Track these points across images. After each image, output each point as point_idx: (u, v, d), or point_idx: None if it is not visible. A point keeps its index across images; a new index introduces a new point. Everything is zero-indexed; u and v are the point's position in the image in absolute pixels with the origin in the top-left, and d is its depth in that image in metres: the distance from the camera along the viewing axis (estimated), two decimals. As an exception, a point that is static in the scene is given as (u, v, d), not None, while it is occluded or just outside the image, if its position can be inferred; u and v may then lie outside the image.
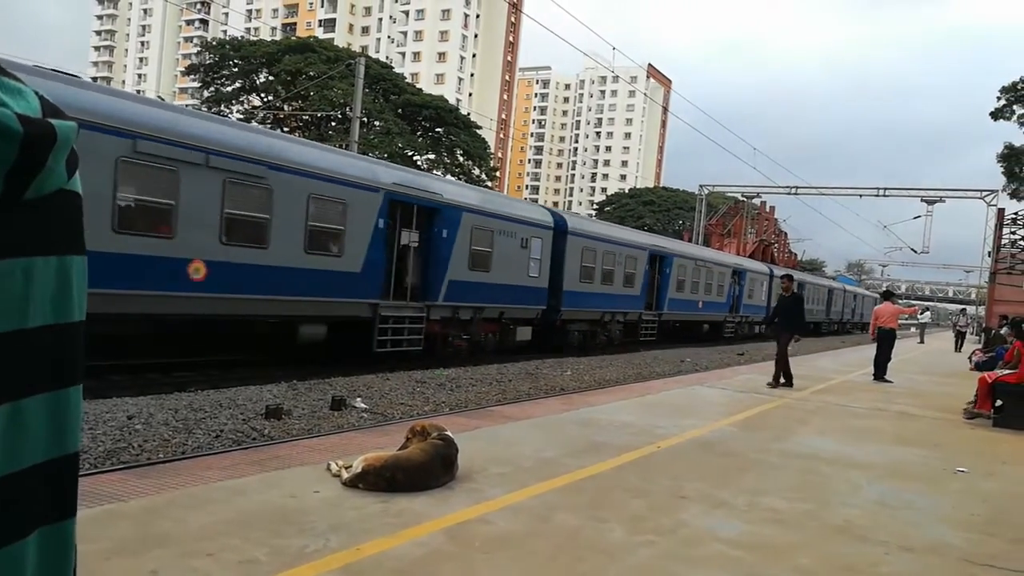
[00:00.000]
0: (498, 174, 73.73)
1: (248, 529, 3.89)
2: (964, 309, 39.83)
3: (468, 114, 59.39)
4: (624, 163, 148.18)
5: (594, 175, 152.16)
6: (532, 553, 3.89)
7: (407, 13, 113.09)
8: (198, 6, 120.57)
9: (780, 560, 4.07)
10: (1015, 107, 39.97)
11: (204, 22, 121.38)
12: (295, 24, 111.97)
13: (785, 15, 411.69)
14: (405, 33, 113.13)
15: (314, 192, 12.62)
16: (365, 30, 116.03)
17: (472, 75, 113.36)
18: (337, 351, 13.85)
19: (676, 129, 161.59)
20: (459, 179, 48.74)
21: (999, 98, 40.39)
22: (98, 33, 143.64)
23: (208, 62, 51.53)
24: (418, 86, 60.59)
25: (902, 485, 6.14)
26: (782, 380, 12.71)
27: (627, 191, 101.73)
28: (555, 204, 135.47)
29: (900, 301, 17.30)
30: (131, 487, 4.53)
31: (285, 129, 44.27)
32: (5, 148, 0.60)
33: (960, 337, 33.08)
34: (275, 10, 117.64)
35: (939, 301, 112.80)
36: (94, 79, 51.71)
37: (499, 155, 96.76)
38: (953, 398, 12.34)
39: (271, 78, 49.66)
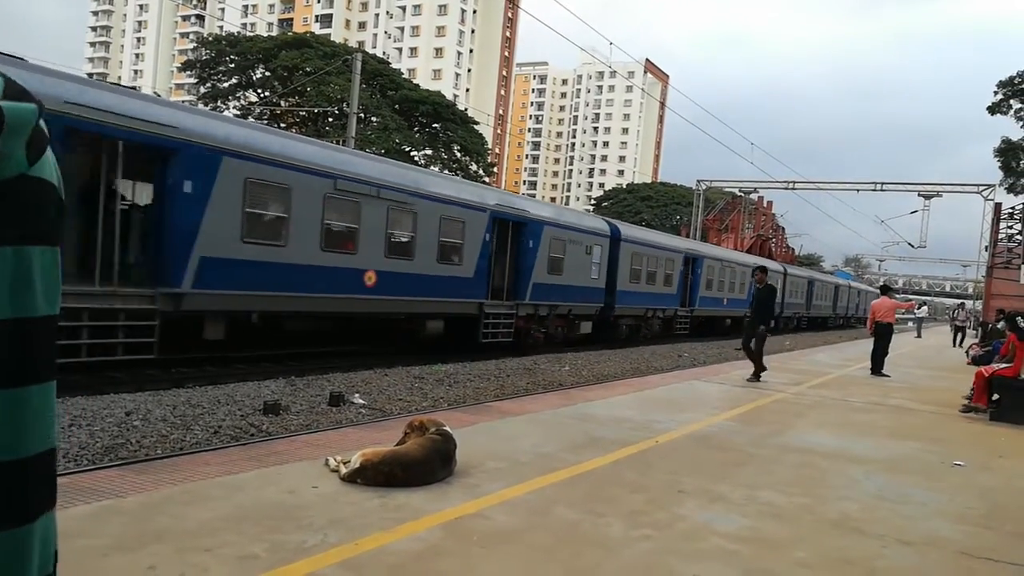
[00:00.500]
0: (495, 169, 73.67)
1: (246, 525, 3.89)
2: (963, 304, 39.77)
3: (465, 109, 59.39)
4: (622, 158, 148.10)
5: (591, 170, 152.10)
6: (530, 548, 3.89)
7: (404, 8, 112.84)
8: (194, 2, 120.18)
9: (778, 554, 4.08)
10: (1012, 101, 39.96)
11: (200, 18, 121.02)
12: (291, 19, 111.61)
13: (782, 10, 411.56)
14: (402, 28, 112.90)
15: (443, 214, 15.59)
16: (362, 25, 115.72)
17: (469, 71, 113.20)
18: (450, 341, 16.53)
19: (673, 124, 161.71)
20: (456, 175, 48.73)
21: (996, 93, 40.38)
22: (94, 29, 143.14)
23: (204, 58, 51.37)
24: (415, 82, 60.46)
25: (900, 479, 6.16)
26: (759, 372, 12.74)
27: (625, 186, 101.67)
28: (552, 199, 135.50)
29: (897, 296, 17.30)
30: (129, 483, 4.53)
31: (282, 125, 44.18)
32: None
33: (959, 332, 32.94)
34: (271, 5, 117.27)
35: (936, 296, 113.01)
36: (89, 75, 51.51)
37: (496, 150, 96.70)
38: (950, 392, 12.37)
39: (268, 74, 49.53)
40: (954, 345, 30.24)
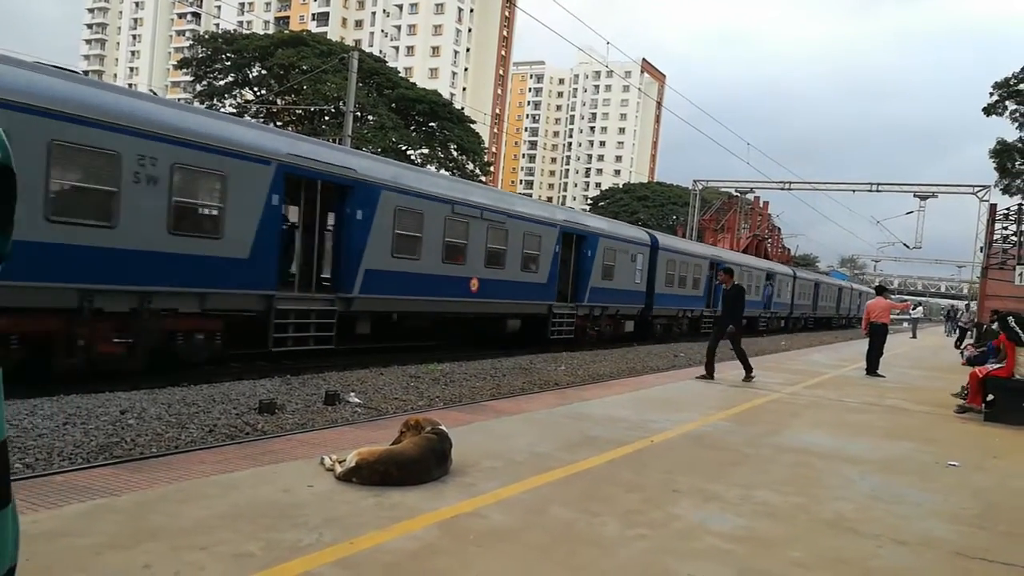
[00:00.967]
0: (492, 169, 73.63)
1: (241, 523, 3.88)
2: (968, 304, 39.72)
3: (462, 108, 59.34)
4: (618, 158, 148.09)
5: (588, 170, 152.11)
6: (526, 547, 3.89)
7: (401, 7, 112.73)
8: (190, 0, 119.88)
9: (773, 553, 4.08)
10: (1007, 103, 40.08)
11: (196, 15, 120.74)
12: (288, 18, 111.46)
13: (781, 10, 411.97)
14: (399, 27, 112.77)
15: (526, 230, 18.50)
16: (359, 24, 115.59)
17: (466, 69, 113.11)
18: (522, 338, 19.25)
19: (670, 124, 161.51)
20: (453, 174, 48.72)
21: (992, 94, 40.49)
22: (89, 26, 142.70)
23: (201, 56, 51.26)
24: (412, 80, 60.41)
25: (894, 479, 6.17)
26: (749, 372, 12.68)
27: (621, 186, 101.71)
28: (549, 199, 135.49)
29: (893, 296, 17.33)
30: (124, 481, 4.52)
31: (279, 124, 44.09)
32: None
33: (963, 334, 32.77)
34: (268, 3, 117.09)
35: (932, 296, 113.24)
36: (86, 72, 51.51)
37: (493, 149, 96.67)
38: (945, 393, 12.40)
39: (264, 72, 49.43)
40: (957, 346, 30.22)
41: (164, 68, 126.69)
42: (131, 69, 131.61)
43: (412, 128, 51.99)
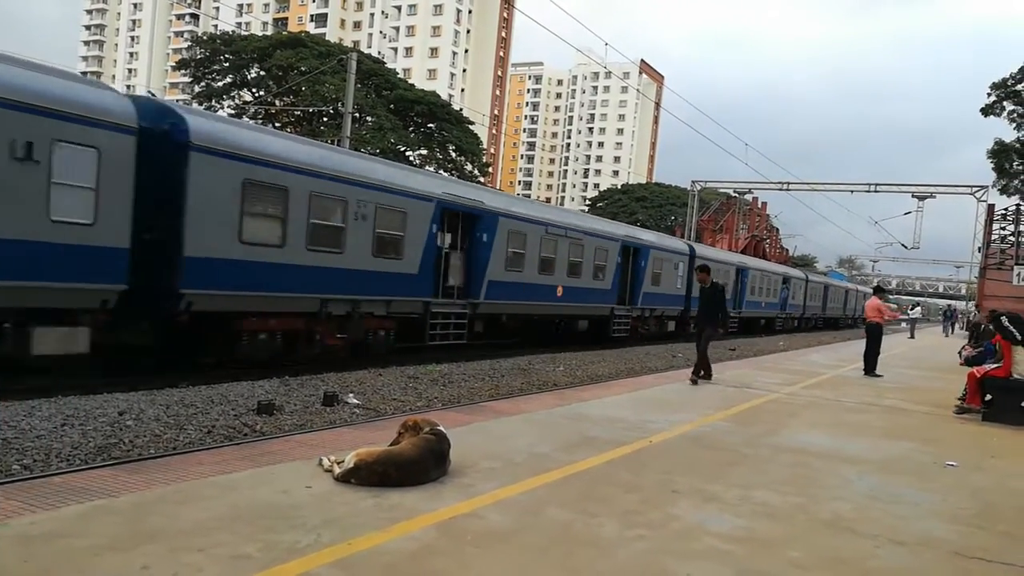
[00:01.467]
0: (490, 170, 73.64)
1: (239, 524, 3.88)
2: (979, 308, 39.61)
3: (460, 109, 59.30)
4: (617, 159, 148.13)
5: (587, 171, 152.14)
6: (524, 547, 3.89)
7: (399, 8, 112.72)
8: (188, 1, 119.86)
9: (771, 553, 4.09)
10: (1005, 103, 40.13)
11: (195, 16, 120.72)
12: (287, 19, 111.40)
13: (776, 12, 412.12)
14: (397, 28, 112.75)
15: (597, 245, 21.86)
16: (357, 25, 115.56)
17: (464, 71, 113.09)
18: (589, 336, 22.62)
19: (669, 125, 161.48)
20: (451, 174, 48.73)
21: (989, 94, 40.56)
22: (88, 28, 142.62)
23: (199, 57, 51.22)
24: (410, 81, 60.40)
25: (893, 479, 6.18)
26: (702, 373, 12.08)
27: (620, 187, 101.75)
28: (548, 200, 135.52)
29: (890, 298, 17.33)
30: (122, 483, 4.51)
31: (276, 125, 44.08)
32: None
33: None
34: (266, 5, 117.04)
35: (930, 296, 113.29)
36: (84, 73, 51.37)
37: (491, 151, 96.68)
38: (943, 393, 12.41)
39: (262, 73, 49.40)
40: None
41: (162, 69, 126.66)
42: (129, 70, 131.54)
43: (411, 129, 51.99)
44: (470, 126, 55.53)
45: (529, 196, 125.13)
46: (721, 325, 12.62)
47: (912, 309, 47.38)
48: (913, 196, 45.76)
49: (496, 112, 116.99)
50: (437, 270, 15.78)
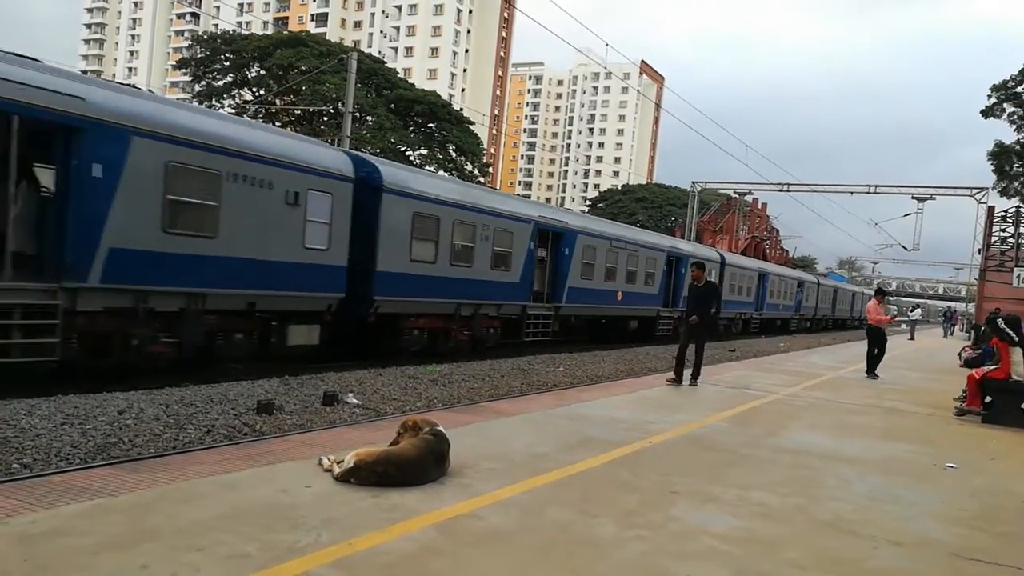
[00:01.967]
0: (491, 170, 73.61)
1: (239, 524, 3.88)
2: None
3: (461, 109, 59.26)
4: (617, 159, 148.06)
5: (587, 171, 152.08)
6: (523, 548, 3.90)
7: (400, 8, 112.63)
8: (189, 0, 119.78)
9: (770, 554, 4.09)
10: (1005, 105, 40.11)
11: (195, 15, 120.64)
12: (287, 18, 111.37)
13: (776, 13, 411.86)
14: (398, 28, 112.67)
15: (647, 255, 25.00)
16: (357, 24, 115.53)
17: (465, 70, 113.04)
18: (634, 335, 25.36)
19: (669, 126, 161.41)
20: (452, 174, 48.71)
21: (990, 96, 40.52)
22: (88, 26, 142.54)
23: (199, 56, 51.19)
24: (411, 81, 60.36)
25: (892, 480, 6.18)
26: (691, 377, 11.66)
27: (620, 187, 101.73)
28: (548, 200, 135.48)
29: (890, 300, 17.29)
30: (121, 482, 4.51)
31: (277, 124, 44.05)
32: None
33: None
34: (267, 4, 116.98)
35: (930, 298, 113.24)
36: (84, 72, 51.22)
37: (492, 151, 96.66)
38: (943, 395, 12.42)
39: (263, 72, 49.37)
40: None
41: (163, 68, 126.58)
42: (130, 69, 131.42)
43: (411, 129, 51.97)
44: (470, 126, 55.50)
45: (529, 196, 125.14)
46: (712, 326, 11.95)
47: (912, 311, 47.43)
48: (913, 198, 45.76)
49: (496, 112, 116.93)
50: (532, 279, 19.18)
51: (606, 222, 27.77)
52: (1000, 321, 10.17)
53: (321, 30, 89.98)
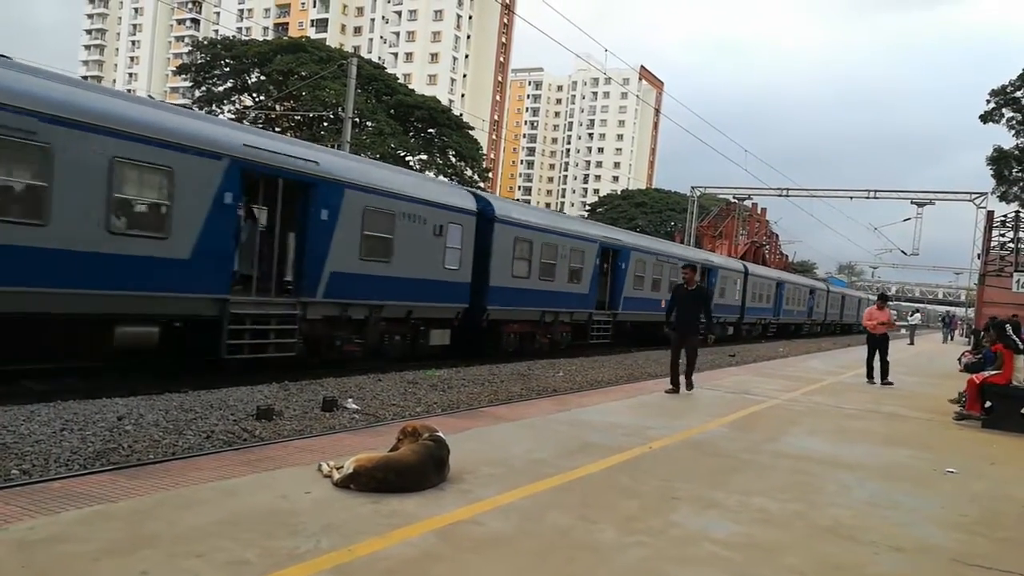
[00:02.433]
0: (490, 175, 73.68)
1: (239, 530, 3.88)
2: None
3: (460, 115, 59.31)
4: (616, 164, 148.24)
5: (586, 176, 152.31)
6: (523, 554, 3.89)
7: (399, 14, 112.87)
8: (189, 5, 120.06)
9: (770, 560, 4.08)
10: (1004, 110, 40.22)
11: (195, 21, 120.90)
12: (287, 24, 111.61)
13: (775, 19, 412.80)
14: (397, 34, 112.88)
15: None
16: (357, 30, 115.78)
17: (464, 76, 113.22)
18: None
19: (668, 131, 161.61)
20: (451, 180, 48.75)
21: (988, 101, 40.65)
22: (88, 32, 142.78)
23: (200, 62, 51.32)
24: (410, 87, 60.47)
25: (892, 486, 6.17)
26: (685, 383, 11.30)
27: (619, 192, 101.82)
28: (547, 205, 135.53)
29: (889, 304, 17.26)
30: (121, 488, 4.51)
31: (277, 129, 44.11)
32: None
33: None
34: (267, 10, 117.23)
35: (929, 303, 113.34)
36: (84, 78, 51.27)
37: (491, 156, 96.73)
38: (943, 400, 12.39)
39: (263, 78, 49.48)
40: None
41: (163, 74, 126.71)
42: (130, 75, 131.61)
43: (411, 134, 52.05)
44: (470, 131, 55.60)
45: (529, 202, 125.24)
46: (708, 331, 11.49)
47: (912, 316, 47.43)
48: (912, 202, 45.86)
49: (496, 117, 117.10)
50: (597, 290, 22.05)
51: (650, 239, 30.60)
52: (1008, 328, 10.18)
53: (321, 36, 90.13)
